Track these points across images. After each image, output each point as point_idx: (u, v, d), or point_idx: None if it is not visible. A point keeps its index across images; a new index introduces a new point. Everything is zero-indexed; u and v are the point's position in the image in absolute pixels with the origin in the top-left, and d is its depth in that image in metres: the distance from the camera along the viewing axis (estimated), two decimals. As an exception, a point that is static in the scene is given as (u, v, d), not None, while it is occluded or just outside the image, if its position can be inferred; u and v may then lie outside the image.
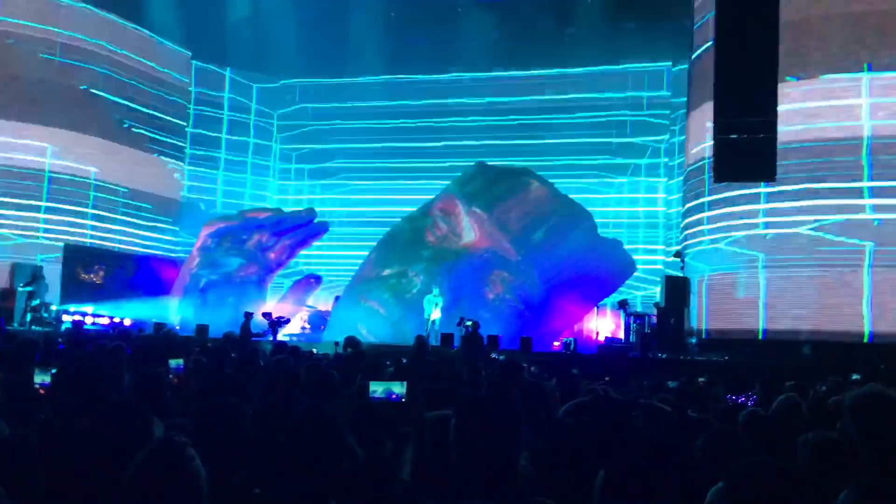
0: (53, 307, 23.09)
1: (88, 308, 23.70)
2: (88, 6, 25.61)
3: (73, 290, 25.21)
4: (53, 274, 24.57)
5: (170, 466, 2.86)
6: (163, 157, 29.42)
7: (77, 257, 25.69)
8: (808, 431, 4.89)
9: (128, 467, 2.87)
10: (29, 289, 22.44)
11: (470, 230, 23.51)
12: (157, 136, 29.03)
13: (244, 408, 3.74)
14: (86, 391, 3.89)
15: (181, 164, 30.43)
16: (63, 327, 21.53)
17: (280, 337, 19.86)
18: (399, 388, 3.86)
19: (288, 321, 22.56)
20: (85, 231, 26.48)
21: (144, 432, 3.35)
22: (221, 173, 31.69)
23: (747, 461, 2.42)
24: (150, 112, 28.52)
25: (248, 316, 19.23)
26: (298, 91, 32.23)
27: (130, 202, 27.87)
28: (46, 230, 25.48)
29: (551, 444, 3.93)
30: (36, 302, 22.27)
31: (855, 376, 11.17)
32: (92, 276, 25.92)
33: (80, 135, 25.93)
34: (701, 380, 10.62)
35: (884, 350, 18.50)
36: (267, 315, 21.13)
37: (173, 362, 6.70)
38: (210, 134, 31.26)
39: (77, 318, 22.51)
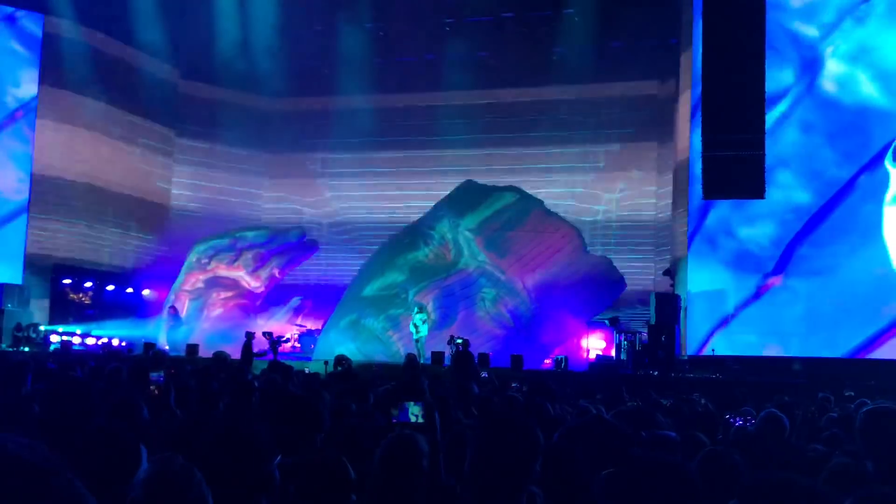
0: (42, 327, 22.98)
1: (77, 329, 23.60)
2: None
3: (62, 309, 25.10)
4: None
5: (177, 491, 2.84)
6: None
7: (65, 277, 25.58)
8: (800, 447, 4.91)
9: (132, 490, 2.85)
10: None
11: (459, 248, 23.53)
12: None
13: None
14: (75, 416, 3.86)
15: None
16: (52, 348, 21.44)
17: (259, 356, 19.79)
18: (417, 410, 3.89)
19: (288, 340, 22.47)
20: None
21: (134, 456, 3.32)
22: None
23: (761, 477, 2.31)
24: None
25: (250, 335, 19.19)
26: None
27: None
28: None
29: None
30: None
31: (848, 392, 11.21)
32: (81, 295, 25.80)
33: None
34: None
35: (871, 366, 18.60)
36: (267, 334, 21.08)
37: (154, 374, 6.71)
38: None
39: (66, 338, 22.42)
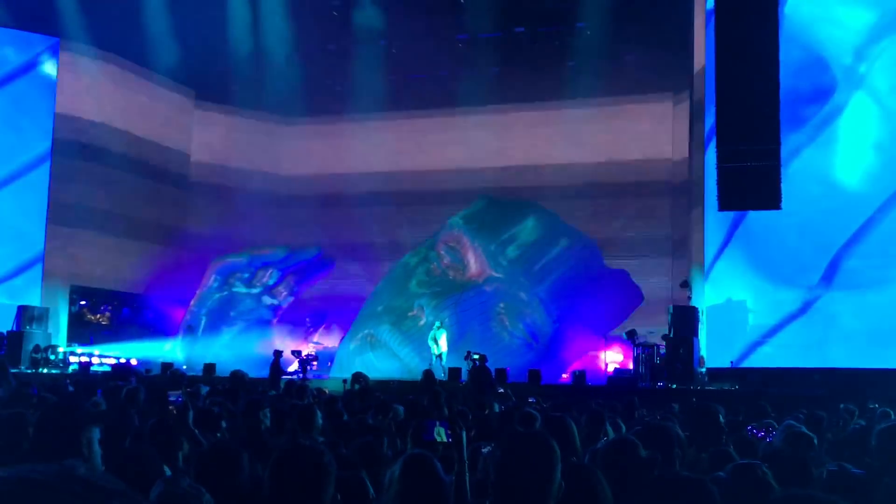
0: (60, 349, 23.06)
1: (95, 349, 23.68)
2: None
3: (80, 331, 25.19)
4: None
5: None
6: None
7: (83, 298, 25.69)
8: (826, 462, 4.86)
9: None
10: None
11: (475, 263, 23.51)
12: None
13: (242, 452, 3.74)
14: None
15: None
16: (70, 369, 21.51)
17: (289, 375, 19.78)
18: (441, 429, 3.92)
19: (317, 358, 22.44)
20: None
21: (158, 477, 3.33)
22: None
23: (787, 494, 2.26)
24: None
25: (278, 353, 19.20)
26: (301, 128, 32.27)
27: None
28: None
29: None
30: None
31: (872, 404, 11.09)
32: (98, 316, 25.91)
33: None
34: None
35: (892, 375, 18.36)
36: (296, 353, 21.03)
37: (172, 394, 6.76)
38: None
39: (84, 359, 22.49)
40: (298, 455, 3.16)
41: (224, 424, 6.05)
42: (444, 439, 4.09)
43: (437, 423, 4.18)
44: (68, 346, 24.01)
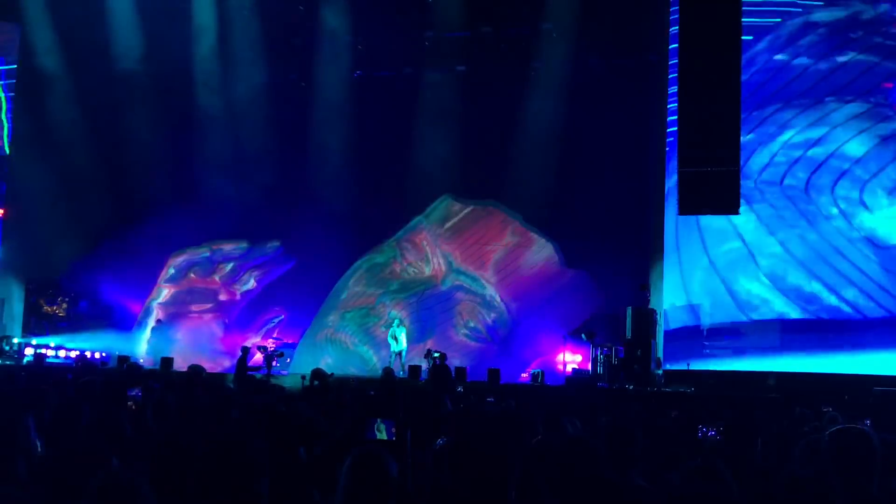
0: (15, 340, 22.76)
1: (51, 341, 23.39)
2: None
3: (36, 322, 24.87)
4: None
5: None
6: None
7: (40, 289, 25.36)
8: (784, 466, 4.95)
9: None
10: None
11: (437, 261, 23.54)
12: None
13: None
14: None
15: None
16: (25, 360, 21.25)
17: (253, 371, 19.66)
18: (387, 427, 3.95)
19: (282, 354, 22.35)
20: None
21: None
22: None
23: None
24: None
25: (245, 350, 19.06)
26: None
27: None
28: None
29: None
30: None
31: (826, 408, 11.26)
32: (55, 308, 25.58)
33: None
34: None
35: (845, 381, 18.65)
36: (262, 349, 20.93)
37: (131, 390, 6.71)
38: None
39: (40, 351, 22.21)
40: (226, 448, 3.17)
41: (178, 420, 6.02)
42: (385, 436, 4.12)
43: (378, 421, 4.19)
44: (24, 337, 23.69)
